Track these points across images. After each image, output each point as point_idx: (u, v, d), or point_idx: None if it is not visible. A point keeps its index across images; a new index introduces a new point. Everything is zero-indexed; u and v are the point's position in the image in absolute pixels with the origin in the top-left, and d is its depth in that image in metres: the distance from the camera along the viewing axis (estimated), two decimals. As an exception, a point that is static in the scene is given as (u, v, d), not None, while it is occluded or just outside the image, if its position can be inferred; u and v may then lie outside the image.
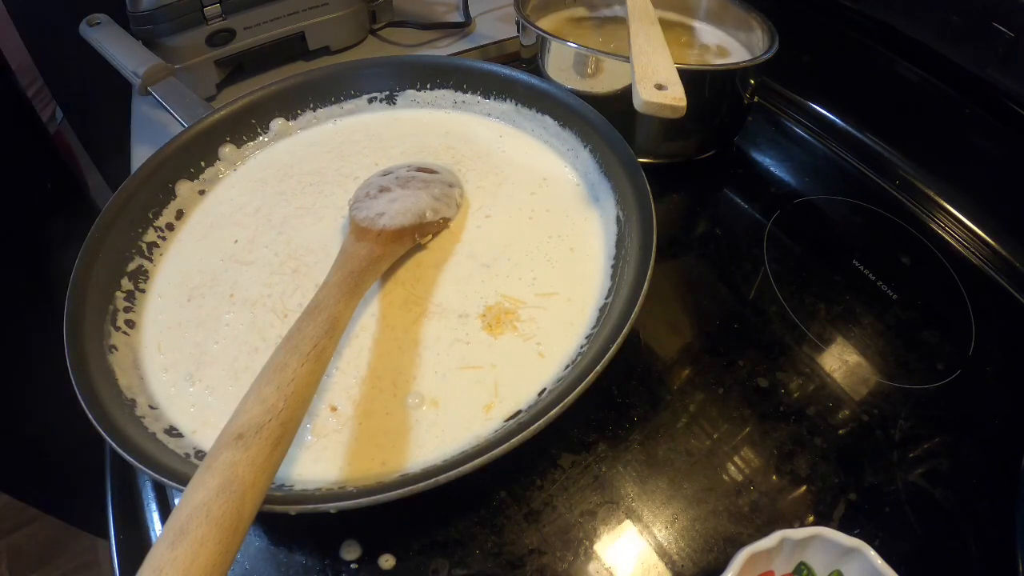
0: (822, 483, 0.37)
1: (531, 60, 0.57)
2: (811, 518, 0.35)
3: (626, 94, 0.45)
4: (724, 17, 0.61)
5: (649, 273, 0.36)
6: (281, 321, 0.39)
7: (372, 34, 0.72)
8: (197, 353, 0.38)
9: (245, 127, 0.50)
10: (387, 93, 0.54)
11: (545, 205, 0.47)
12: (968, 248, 0.52)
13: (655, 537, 0.34)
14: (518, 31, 0.63)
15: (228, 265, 0.43)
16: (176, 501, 0.25)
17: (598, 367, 0.32)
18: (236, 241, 0.44)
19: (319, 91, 0.53)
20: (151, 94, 0.51)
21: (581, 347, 0.38)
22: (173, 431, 0.34)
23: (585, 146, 0.48)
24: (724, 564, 0.30)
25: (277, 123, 0.52)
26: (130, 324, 0.39)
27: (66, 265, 0.37)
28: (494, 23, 0.75)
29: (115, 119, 0.65)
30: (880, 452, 0.38)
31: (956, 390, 0.42)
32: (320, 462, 0.33)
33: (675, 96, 0.38)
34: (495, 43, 0.71)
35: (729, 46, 0.60)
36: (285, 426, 0.28)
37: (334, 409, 0.35)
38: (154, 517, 0.36)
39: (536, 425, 0.30)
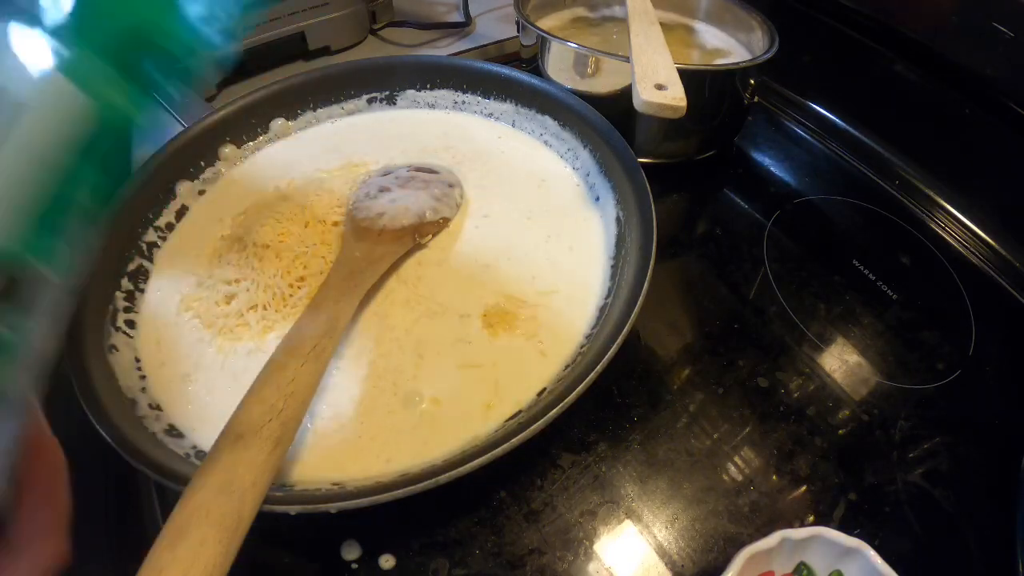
0: (822, 483, 0.37)
1: (531, 60, 0.57)
2: (811, 518, 0.35)
3: (626, 94, 0.45)
4: (724, 17, 0.61)
5: (649, 273, 0.36)
6: (282, 321, 0.39)
7: (372, 34, 0.72)
8: (196, 353, 0.38)
9: (245, 127, 0.50)
10: (387, 93, 0.54)
11: (545, 205, 0.47)
12: (968, 248, 0.52)
13: (655, 537, 0.34)
14: (518, 31, 0.63)
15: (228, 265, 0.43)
16: (176, 501, 0.25)
17: (598, 367, 0.32)
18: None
19: (319, 91, 0.53)
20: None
21: (581, 347, 0.38)
22: (173, 431, 0.34)
23: (585, 146, 0.48)
24: (724, 564, 0.30)
25: (277, 123, 0.52)
26: (130, 324, 0.39)
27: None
28: (494, 23, 0.75)
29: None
30: (880, 452, 0.38)
31: (956, 390, 0.42)
32: (321, 461, 0.33)
33: (675, 96, 0.39)
34: (495, 43, 0.71)
35: (729, 46, 0.60)
36: (285, 426, 0.28)
37: (335, 408, 0.35)
38: (154, 517, 0.36)
39: (536, 425, 0.30)
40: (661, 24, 0.49)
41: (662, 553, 0.34)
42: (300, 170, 0.49)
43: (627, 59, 0.44)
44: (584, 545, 0.34)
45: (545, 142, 0.51)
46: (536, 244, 0.44)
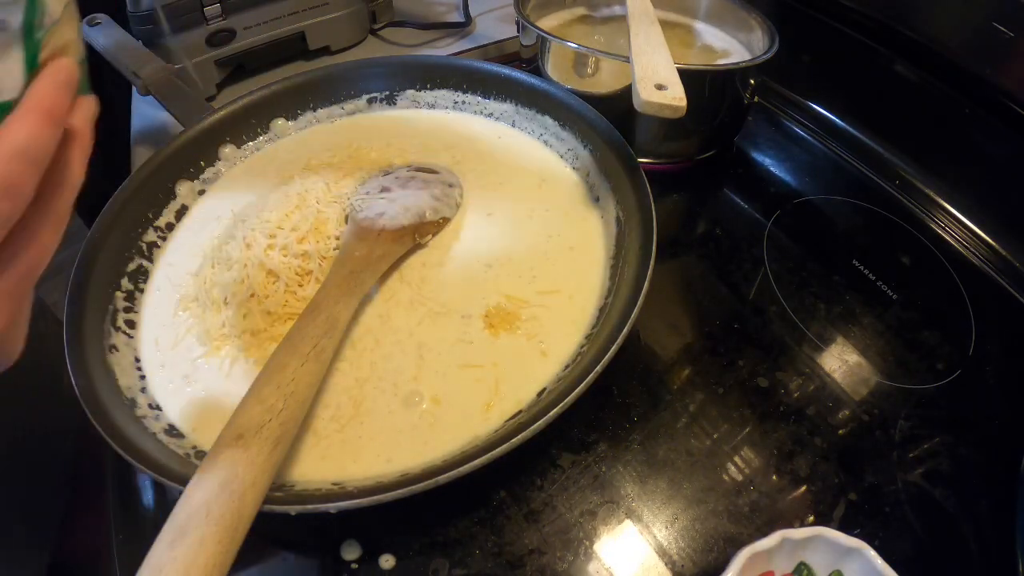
0: (822, 483, 0.37)
1: (531, 60, 0.57)
2: (811, 518, 0.35)
3: (626, 94, 0.45)
4: (724, 17, 0.61)
5: (649, 273, 0.36)
6: (280, 322, 0.39)
7: (372, 34, 0.72)
8: (196, 354, 0.38)
9: (245, 127, 0.50)
10: (387, 93, 0.54)
11: (545, 205, 0.47)
12: (968, 248, 0.52)
13: (655, 537, 0.34)
14: (518, 31, 0.63)
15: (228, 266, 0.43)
16: (176, 501, 0.25)
17: (598, 367, 0.32)
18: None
19: (319, 91, 0.53)
20: (151, 94, 0.51)
21: (581, 347, 0.38)
22: (173, 431, 0.34)
23: (585, 146, 0.48)
24: (724, 564, 0.30)
25: (277, 123, 0.52)
26: (130, 324, 0.39)
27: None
28: (494, 23, 0.75)
29: (115, 119, 0.65)
30: (880, 452, 0.38)
31: (956, 390, 0.42)
32: (321, 461, 0.33)
33: (675, 96, 0.38)
34: (495, 43, 0.71)
35: (729, 46, 0.60)
36: (285, 426, 0.28)
37: (335, 408, 0.35)
38: (154, 517, 0.36)
39: (536, 425, 0.30)
40: (661, 24, 0.49)
41: (662, 553, 0.34)
42: (300, 170, 0.49)
43: (627, 59, 0.44)
44: (584, 545, 0.34)
45: (545, 142, 0.51)
46: (536, 244, 0.44)
